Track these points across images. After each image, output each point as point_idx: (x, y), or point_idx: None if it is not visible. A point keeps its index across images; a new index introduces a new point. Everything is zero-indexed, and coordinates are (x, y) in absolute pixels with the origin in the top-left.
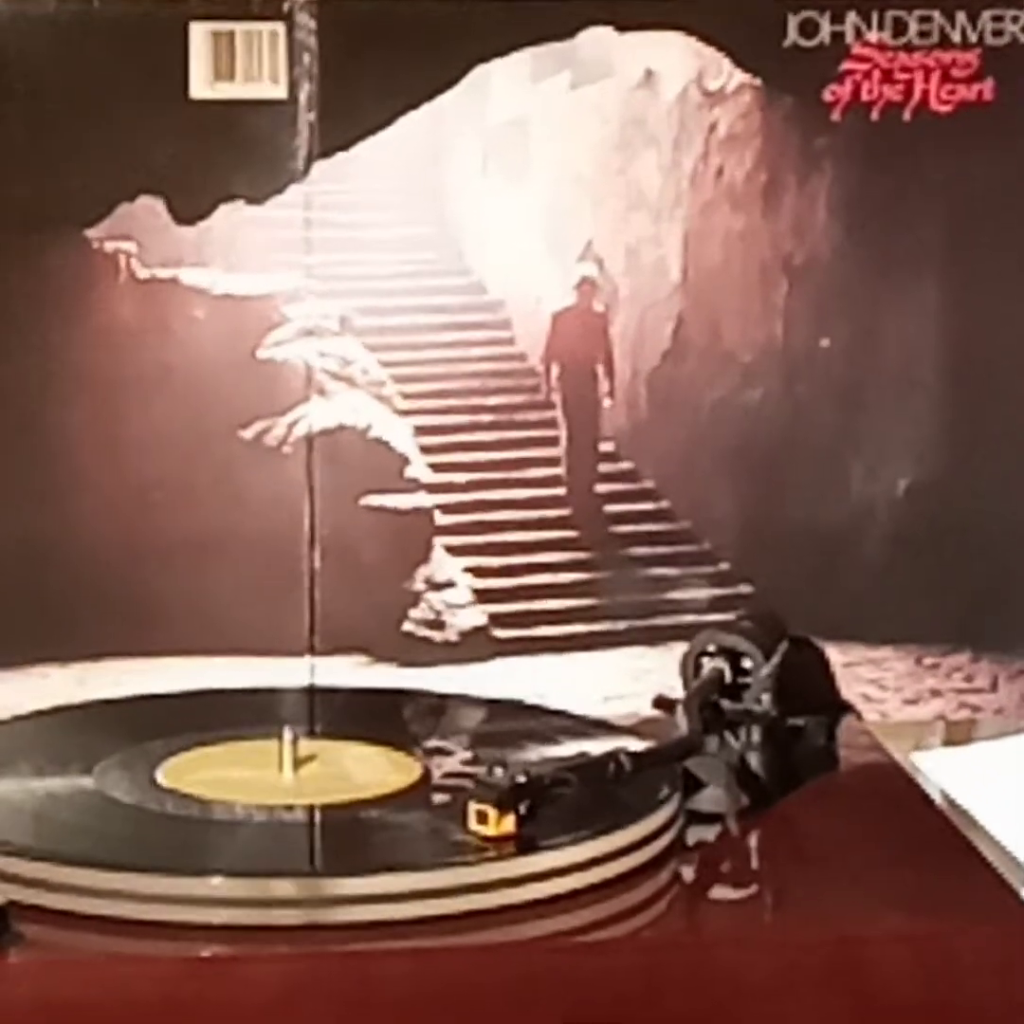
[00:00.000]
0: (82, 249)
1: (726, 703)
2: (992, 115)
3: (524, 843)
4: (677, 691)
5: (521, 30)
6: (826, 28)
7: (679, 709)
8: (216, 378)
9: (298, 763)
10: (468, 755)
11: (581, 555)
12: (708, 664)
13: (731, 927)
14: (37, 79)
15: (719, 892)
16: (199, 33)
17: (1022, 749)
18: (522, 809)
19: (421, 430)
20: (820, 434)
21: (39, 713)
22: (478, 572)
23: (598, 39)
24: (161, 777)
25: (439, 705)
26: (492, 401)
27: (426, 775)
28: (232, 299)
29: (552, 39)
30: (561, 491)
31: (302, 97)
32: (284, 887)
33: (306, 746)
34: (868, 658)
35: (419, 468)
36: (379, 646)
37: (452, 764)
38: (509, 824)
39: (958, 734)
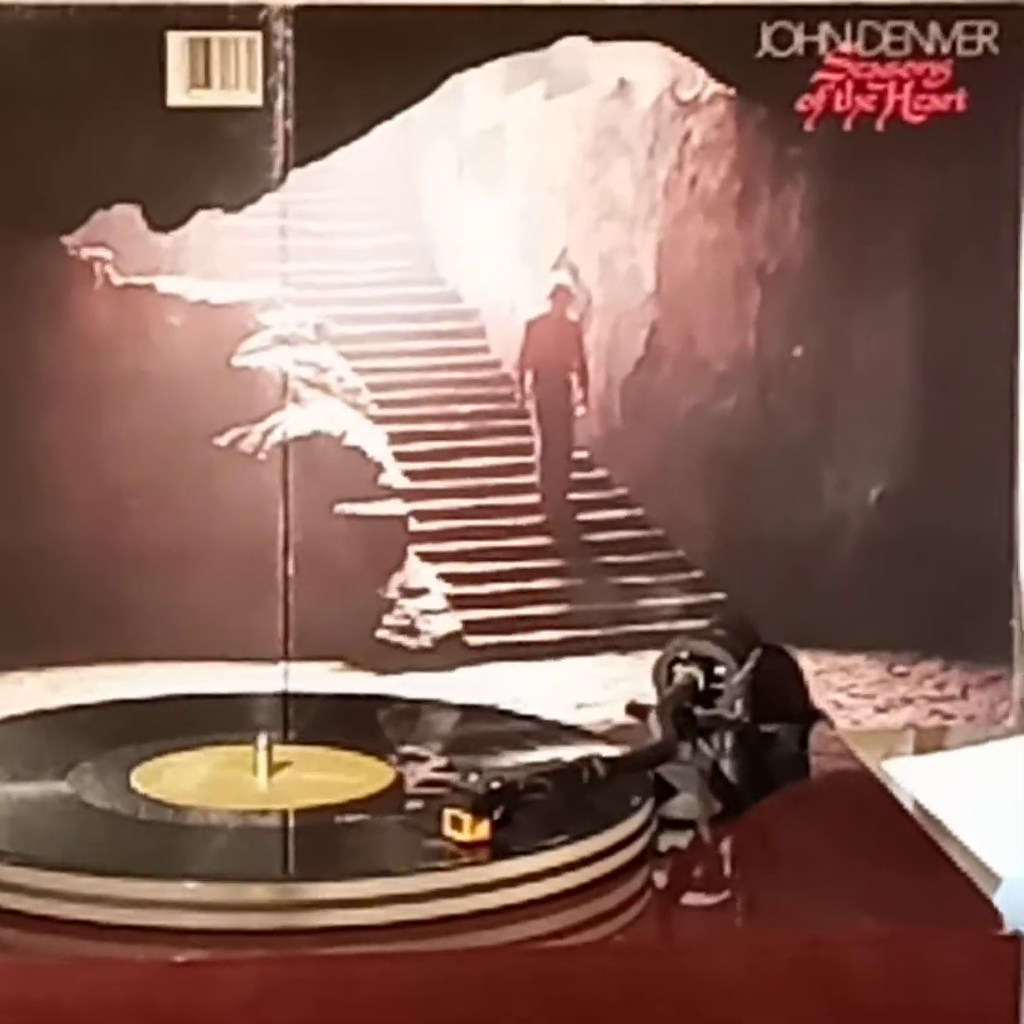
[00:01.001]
0: (58, 256)
1: (699, 710)
2: (964, 126)
3: (498, 848)
4: (650, 698)
5: (495, 40)
6: (799, 39)
7: (652, 716)
8: (192, 385)
9: (272, 768)
10: (442, 761)
11: (555, 562)
12: (681, 671)
13: (703, 932)
14: (12, 86)
15: (692, 897)
16: (176, 41)
17: (992, 756)
18: (496, 815)
19: (395, 438)
20: (793, 442)
21: (13, 718)
22: (452, 579)
23: (572, 49)
24: (136, 782)
25: (413, 711)
26: (466, 409)
27: (400, 780)
28: (208, 306)
29: (526, 49)
30: (535, 498)
31: (278, 105)
32: (259, 892)
33: (280, 752)
34: (839, 666)
35: (393, 475)
36: (353, 652)
37: (426, 770)
38: (483, 830)
39: (929, 741)
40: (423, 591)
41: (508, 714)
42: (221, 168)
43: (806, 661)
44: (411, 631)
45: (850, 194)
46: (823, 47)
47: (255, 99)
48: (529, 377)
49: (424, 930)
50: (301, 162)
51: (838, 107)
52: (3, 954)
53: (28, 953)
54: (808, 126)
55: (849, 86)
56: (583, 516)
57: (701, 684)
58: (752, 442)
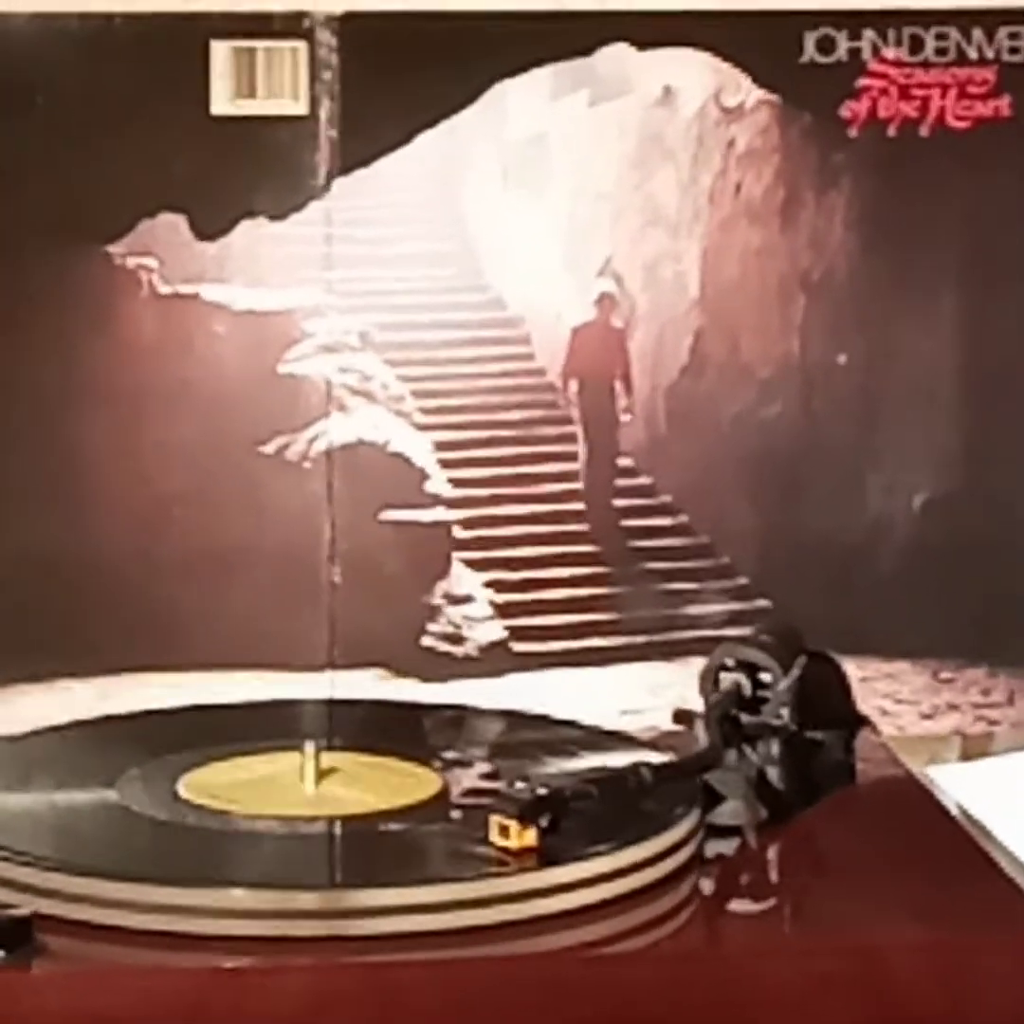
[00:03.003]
0: (104, 265)
1: (745, 717)
2: (1009, 131)
3: (545, 856)
4: (696, 705)
5: (540, 47)
6: (843, 45)
7: (698, 723)
8: (237, 393)
9: (319, 775)
10: (488, 768)
11: (599, 569)
12: (727, 678)
13: (750, 939)
14: (59, 95)
15: (738, 905)
16: (221, 50)
17: None
18: (543, 822)
19: (440, 445)
20: (837, 449)
21: (61, 727)
22: (497, 586)
23: (616, 56)
24: (183, 790)
25: (459, 718)
26: (511, 416)
27: (446, 788)
28: (253, 315)
29: (571, 56)
30: (579, 506)
31: (323, 114)
32: (306, 899)
33: (327, 759)
34: (885, 672)
35: (438, 483)
36: (398, 660)
37: (472, 777)
38: (530, 837)
39: (975, 748)
40: (468, 598)
41: (554, 721)
42: (266, 176)
43: (851, 667)
44: (456, 639)
45: (895, 200)
46: (867, 53)
47: (300, 108)
48: (574, 384)
49: (471, 937)
50: (346, 170)
51: (882, 113)
52: (52, 962)
53: (76, 961)
54: (852, 132)
55: (893, 92)
56: (628, 523)
57: (747, 691)
58: (796, 449)
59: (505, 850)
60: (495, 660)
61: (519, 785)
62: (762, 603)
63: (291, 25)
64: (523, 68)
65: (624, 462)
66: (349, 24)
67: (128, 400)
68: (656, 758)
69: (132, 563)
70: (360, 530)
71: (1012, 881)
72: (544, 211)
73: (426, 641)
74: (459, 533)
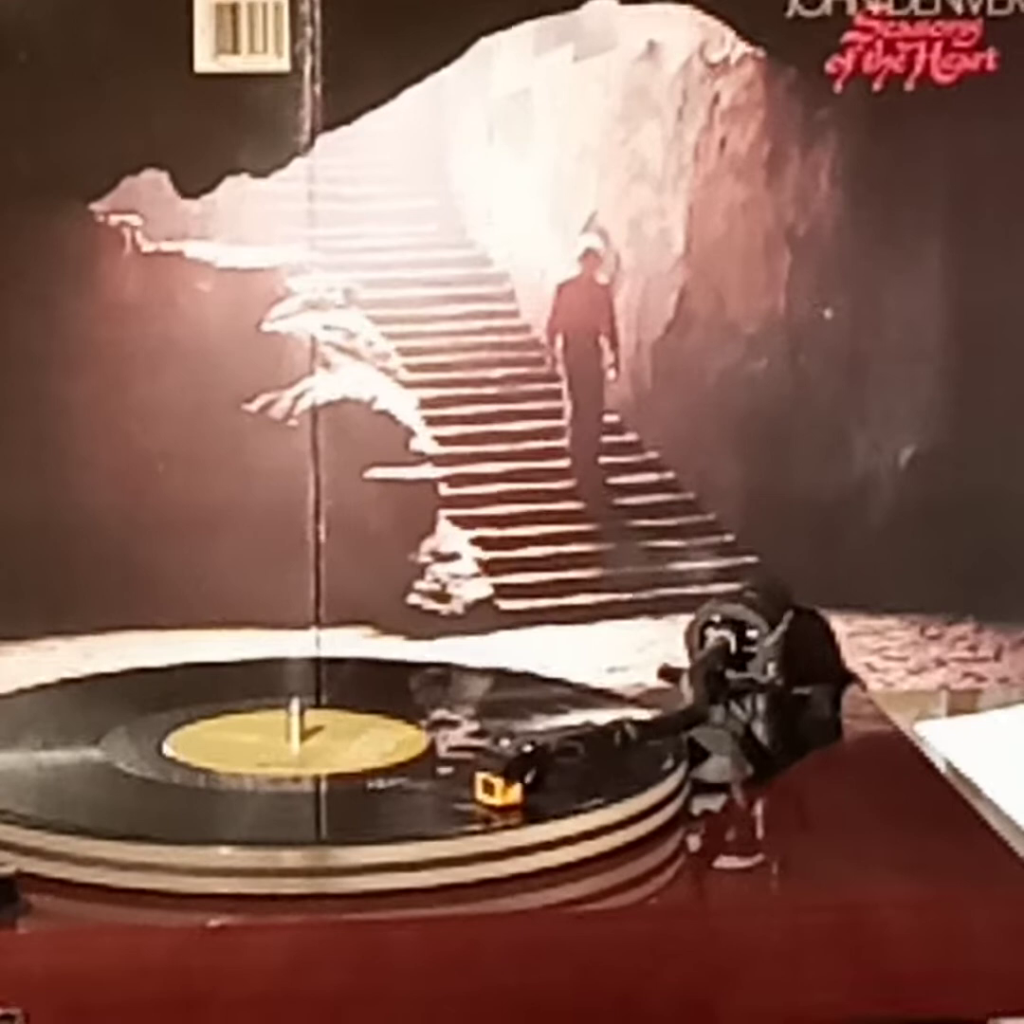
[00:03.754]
0: (86, 222)
1: (731, 673)
2: (994, 85)
3: (530, 812)
4: (682, 661)
5: (525, 2)
6: None
7: (684, 679)
8: (221, 351)
9: (305, 734)
10: (474, 726)
11: (586, 527)
12: (713, 634)
13: (737, 895)
14: (41, 52)
15: (725, 861)
16: (203, 6)
17: None
18: (528, 779)
19: (426, 402)
20: (824, 405)
21: (46, 686)
22: (483, 544)
23: (601, 11)
24: (168, 748)
25: (444, 676)
26: (496, 373)
27: (432, 745)
28: (237, 272)
29: (555, 11)
30: (565, 463)
31: (306, 70)
32: (292, 857)
33: (313, 717)
34: (872, 628)
35: (424, 440)
36: (385, 618)
37: (458, 735)
38: (515, 794)
39: (962, 703)
40: (454, 556)
41: (539, 679)
42: (249, 133)
43: (838, 623)
44: (442, 596)
45: (880, 155)
46: (852, 7)
47: (282, 64)
48: (559, 341)
49: (456, 894)
50: (329, 127)
51: (868, 68)
52: (36, 921)
53: (61, 919)
54: (838, 87)
55: (879, 46)
56: (614, 480)
57: (733, 647)
58: (783, 405)
59: (490, 807)
60: (481, 618)
61: (504, 742)
62: (749, 559)
63: None
64: (508, 23)
65: (610, 419)
66: None
67: (111, 358)
68: (642, 715)
69: (116, 522)
70: (345, 488)
71: (999, 836)
72: (529, 167)
73: (412, 599)
74: (445, 490)
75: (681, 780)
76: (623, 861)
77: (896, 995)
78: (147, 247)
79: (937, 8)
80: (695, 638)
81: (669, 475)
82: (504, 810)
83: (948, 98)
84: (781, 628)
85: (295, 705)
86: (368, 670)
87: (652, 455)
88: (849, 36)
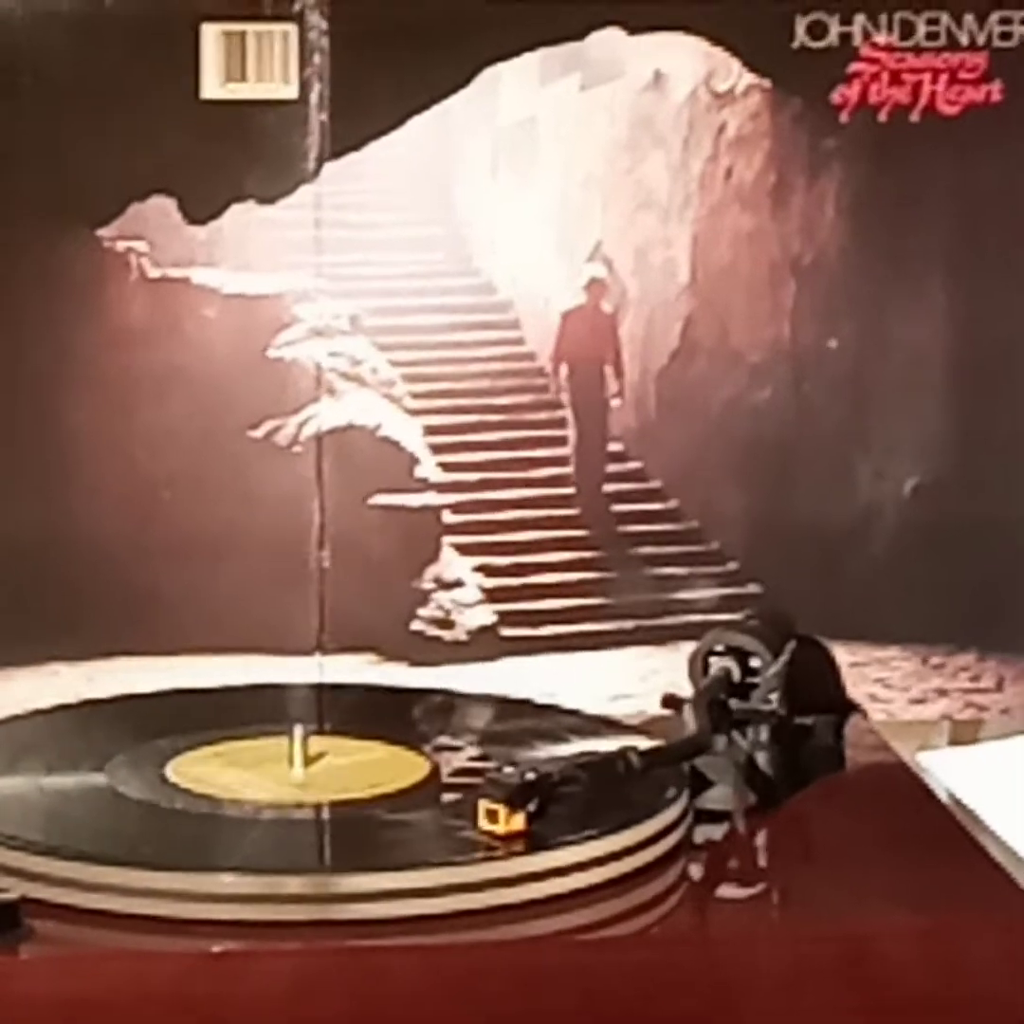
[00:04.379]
0: (93, 248)
1: (734, 702)
2: (1000, 116)
3: (533, 841)
4: (685, 690)
5: (531, 31)
6: (834, 30)
7: (687, 708)
8: (227, 377)
9: (308, 760)
10: (477, 753)
11: (589, 554)
12: (716, 663)
13: (739, 924)
14: (50, 78)
15: (727, 890)
16: (211, 33)
17: None
18: (531, 807)
19: (430, 430)
20: (828, 434)
21: (49, 710)
22: (487, 571)
23: (607, 40)
24: (171, 774)
25: (448, 703)
26: (501, 401)
27: (435, 773)
28: (243, 299)
29: (562, 41)
30: (570, 491)
31: (313, 98)
32: (294, 883)
33: (316, 743)
34: (875, 658)
35: (428, 467)
36: (388, 644)
37: (461, 762)
38: (519, 822)
39: (964, 734)
40: (458, 583)
41: (542, 706)
42: (256, 160)
43: (841, 653)
44: (446, 623)
45: (885, 185)
46: (858, 38)
47: (290, 91)
48: (564, 369)
49: (460, 922)
50: (336, 154)
51: (873, 98)
52: (39, 946)
53: (64, 945)
54: (843, 117)
55: (884, 77)
56: (618, 508)
57: (736, 676)
58: (787, 434)
59: (493, 835)
60: (485, 645)
61: (507, 770)
62: (752, 588)
63: (281, 8)
64: (514, 52)
65: (614, 447)
66: (340, 7)
67: (117, 384)
68: (645, 743)
69: (121, 547)
70: (350, 514)
71: (1000, 867)
72: (534, 196)
73: (416, 625)
74: (449, 518)
75: (684, 809)
76: (626, 890)
77: None
78: (154, 273)
79: (943, 40)
80: (698, 667)
81: (673, 503)
82: (507, 838)
83: (953, 129)
84: (784, 657)
85: (298, 731)
86: (371, 697)
87: (656, 483)
88: (855, 67)
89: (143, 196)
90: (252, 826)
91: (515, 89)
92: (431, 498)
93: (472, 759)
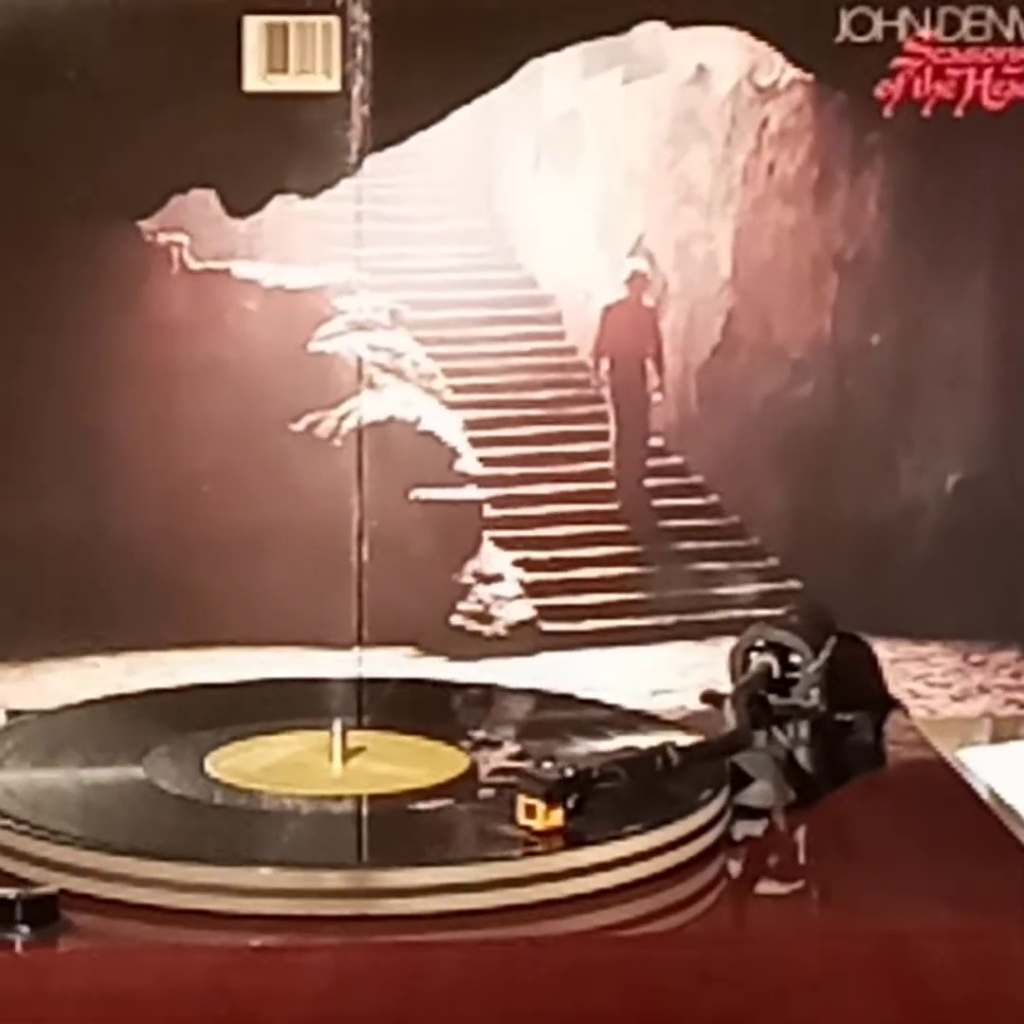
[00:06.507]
0: (135, 241)
1: (774, 698)
2: None
3: (572, 837)
4: (725, 686)
5: (574, 25)
6: (878, 24)
7: (727, 704)
8: (267, 370)
9: (347, 754)
10: (516, 748)
11: (629, 549)
12: (756, 659)
13: (778, 922)
14: (91, 71)
15: (766, 887)
16: (253, 26)
17: None
18: (570, 803)
19: (471, 424)
20: (869, 430)
21: (89, 703)
22: (526, 565)
23: (651, 34)
24: (210, 767)
25: (487, 697)
26: (542, 395)
27: (474, 768)
28: (283, 292)
29: (605, 34)
30: (610, 485)
31: (355, 91)
32: (333, 878)
33: (355, 737)
34: (916, 654)
35: (468, 461)
36: (427, 638)
37: (500, 757)
38: (557, 818)
39: (1005, 730)
40: (497, 577)
41: (582, 701)
42: (297, 153)
43: (882, 649)
44: (485, 617)
45: (929, 180)
46: (902, 33)
47: (332, 84)
48: (605, 363)
49: (498, 918)
50: (378, 147)
51: (917, 93)
52: (77, 939)
53: (103, 938)
54: (887, 112)
55: (928, 72)
56: (658, 503)
57: (776, 672)
58: (828, 429)
59: (532, 831)
60: (524, 639)
61: (546, 765)
62: (792, 584)
63: (324, 1)
64: (557, 45)
65: (655, 442)
66: (382, 0)
67: (158, 377)
68: (684, 739)
69: (161, 540)
70: (390, 508)
71: None
72: (576, 189)
73: (455, 620)
74: (489, 512)
75: (723, 805)
76: (664, 886)
77: None
78: (195, 266)
79: (988, 34)
80: (738, 662)
81: (714, 498)
82: (546, 834)
83: (998, 124)
84: (824, 654)
85: (337, 725)
86: (410, 691)
87: (697, 478)
88: (899, 61)
89: (184, 189)
90: (291, 820)
91: (557, 82)
92: (471, 492)
93: (511, 754)
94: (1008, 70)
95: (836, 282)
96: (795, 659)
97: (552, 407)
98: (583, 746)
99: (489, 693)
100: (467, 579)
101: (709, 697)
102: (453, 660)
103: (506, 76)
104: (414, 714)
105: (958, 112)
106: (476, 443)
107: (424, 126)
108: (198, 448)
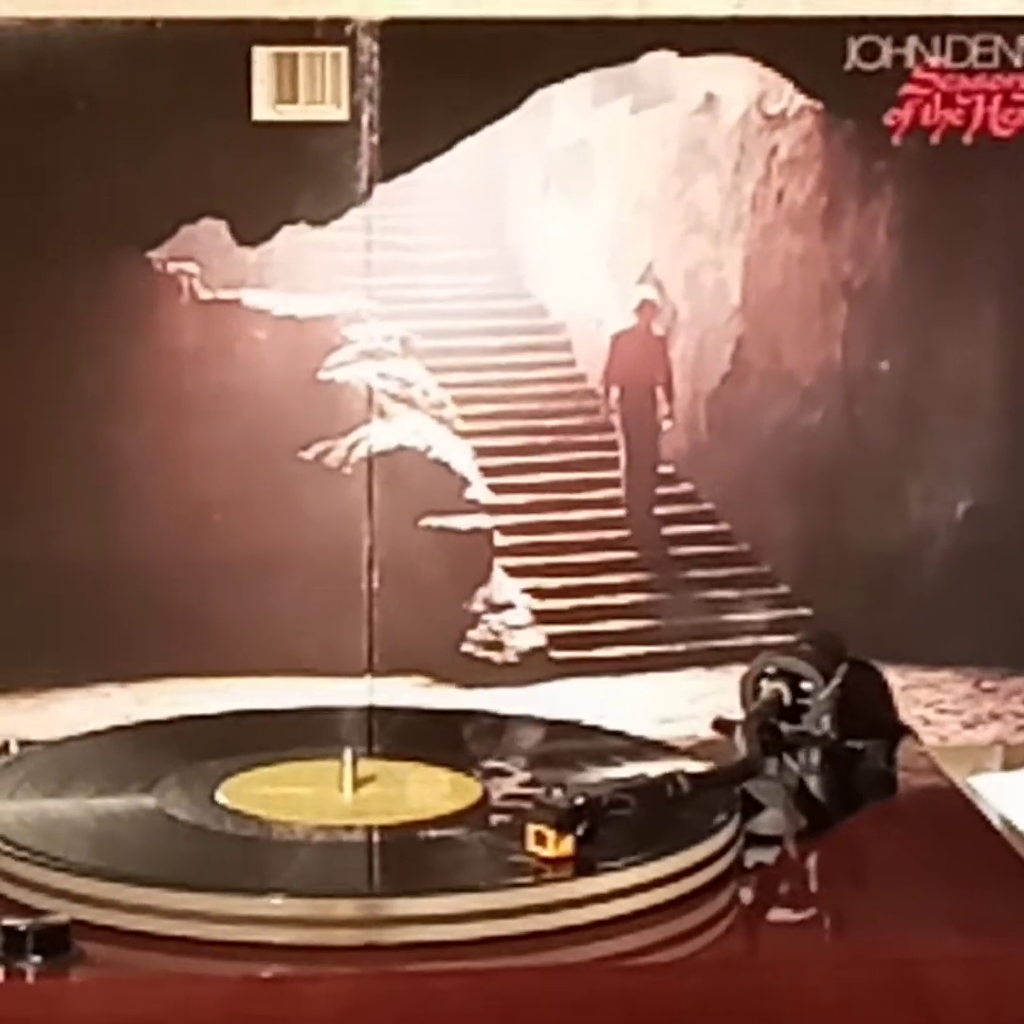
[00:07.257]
0: (144, 270)
1: (785, 726)
2: None
3: (582, 865)
4: (736, 713)
5: (582, 54)
6: (887, 52)
7: (738, 731)
8: (277, 399)
9: (357, 783)
10: (527, 776)
11: (640, 577)
12: (767, 686)
13: (790, 949)
14: (101, 100)
15: (778, 914)
16: (262, 56)
17: None
18: (580, 831)
19: (481, 452)
20: (879, 457)
21: (100, 732)
22: (537, 593)
23: (659, 63)
24: (221, 796)
25: (498, 726)
26: (552, 423)
27: (485, 796)
28: (293, 321)
29: (613, 63)
30: (620, 513)
31: (364, 120)
32: (344, 907)
33: (365, 766)
34: (927, 681)
35: (479, 489)
36: (438, 667)
37: (511, 785)
38: (567, 846)
39: (1017, 758)
40: (508, 605)
41: (593, 729)
42: (307, 182)
43: (893, 676)
44: (496, 645)
45: (938, 208)
46: (911, 60)
47: (341, 114)
48: (615, 391)
49: (509, 946)
50: (387, 176)
51: (926, 121)
52: (89, 969)
53: (114, 968)
54: (896, 140)
55: (937, 100)
56: (668, 530)
57: (787, 699)
58: (838, 457)
59: (542, 859)
60: (535, 667)
61: (556, 793)
62: (803, 611)
63: (333, 31)
64: (566, 75)
65: (665, 469)
66: (391, 30)
67: (168, 406)
68: (695, 767)
69: (171, 568)
70: (400, 536)
71: None
72: (585, 218)
73: (466, 648)
74: (499, 540)
75: (734, 833)
76: (676, 914)
77: None
78: (204, 295)
79: (996, 61)
80: (749, 690)
81: (724, 526)
82: (556, 862)
83: (1007, 151)
84: (835, 681)
85: (348, 754)
86: (421, 719)
87: (707, 506)
88: (907, 89)
89: (194, 218)
90: (302, 849)
91: (567, 111)
92: (481, 520)
93: (522, 782)
94: (1017, 97)
95: (845, 309)
96: (806, 686)
97: (562, 435)
98: (594, 774)
99: (500, 721)
100: (478, 607)
101: (720, 725)
102: (464, 688)
103: (515, 105)
104: (425, 742)
105: (967, 139)
106: (486, 471)
107: (433, 155)
108: (208, 476)
